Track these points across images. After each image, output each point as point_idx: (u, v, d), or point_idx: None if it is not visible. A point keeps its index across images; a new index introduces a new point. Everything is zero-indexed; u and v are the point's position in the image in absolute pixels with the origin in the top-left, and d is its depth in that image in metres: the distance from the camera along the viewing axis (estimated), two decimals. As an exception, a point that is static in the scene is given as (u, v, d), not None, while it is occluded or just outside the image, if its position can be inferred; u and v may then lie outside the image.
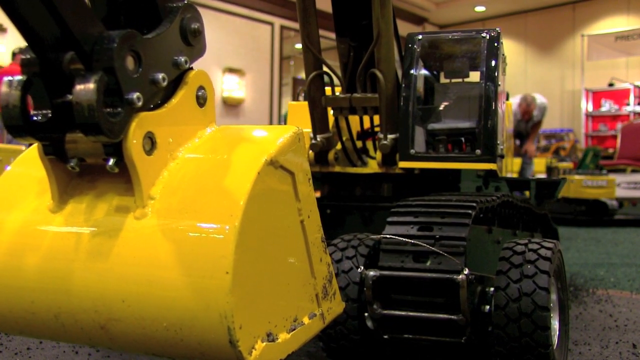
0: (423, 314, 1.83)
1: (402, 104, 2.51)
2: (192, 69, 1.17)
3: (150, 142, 1.06)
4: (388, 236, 1.88)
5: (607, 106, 14.82)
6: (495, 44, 2.52)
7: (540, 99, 8.32)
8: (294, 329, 1.12)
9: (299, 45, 11.99)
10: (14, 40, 9.40)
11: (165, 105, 1.10)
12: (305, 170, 1.19)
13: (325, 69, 2.63)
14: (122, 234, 1.03)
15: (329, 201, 2.85)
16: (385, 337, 1.93)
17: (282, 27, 14.17)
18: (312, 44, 2.53)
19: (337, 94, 2.65)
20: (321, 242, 1.24)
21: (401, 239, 1.85)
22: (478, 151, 2.44)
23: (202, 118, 1.18)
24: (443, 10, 16.33)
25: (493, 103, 2.44)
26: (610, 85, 14.59)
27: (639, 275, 4.50)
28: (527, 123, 8.27)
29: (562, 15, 15.58)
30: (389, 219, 1.97)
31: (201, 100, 1.18)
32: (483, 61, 2.51)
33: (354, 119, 2.82)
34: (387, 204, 2.55)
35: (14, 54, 7.80)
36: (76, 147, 1.06)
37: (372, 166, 2.77)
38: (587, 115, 15.01)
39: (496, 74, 2.48)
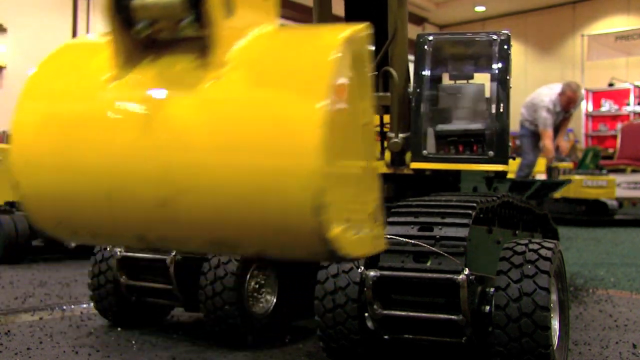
0: (423, 314, 1.83)
1: (414, 104, 2.53)
2: None
3: (229, 5, 1.00)
4: (388, 236, 1.88)
5: (607, 106, 14.81)
6: (505, 47, 2.56)
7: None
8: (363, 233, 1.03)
9: (299, 45, 11.95)
10: (14, 40, 9.41)
11: None
12: (369, 65, 1.09)
13: None
14: (193, 101, 0.97)
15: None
16: (386, 337, 1.93)
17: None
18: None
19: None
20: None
21: (401, 239, 1.85)
22: (491, 152, 2.47)
23: (268, 12, 1.11)
24: (443, 10, 16.32)
25: (504, 105, 2.47)
26: (610, 85, 14.57)
27: (639, 275, 4.50)
28: (566, 114, 7.26)
29: (562, 15, 15.58)
30: (390, 219, 1.97)
31: None
32: (494, 63, 2.55)
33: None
34: (387, 204, 2.56)
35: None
36: (148, 9, 1.00)
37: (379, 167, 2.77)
38: (587, 115, 15.00)
39: (507, 76, 2.51)
